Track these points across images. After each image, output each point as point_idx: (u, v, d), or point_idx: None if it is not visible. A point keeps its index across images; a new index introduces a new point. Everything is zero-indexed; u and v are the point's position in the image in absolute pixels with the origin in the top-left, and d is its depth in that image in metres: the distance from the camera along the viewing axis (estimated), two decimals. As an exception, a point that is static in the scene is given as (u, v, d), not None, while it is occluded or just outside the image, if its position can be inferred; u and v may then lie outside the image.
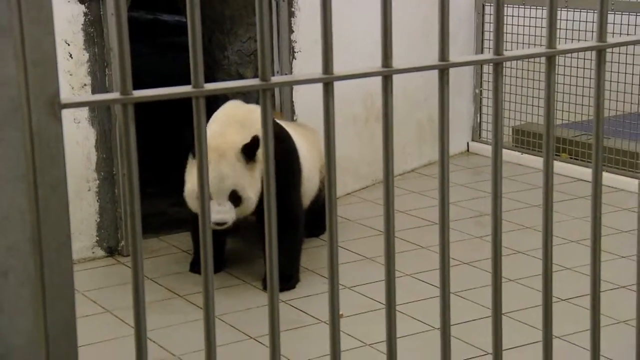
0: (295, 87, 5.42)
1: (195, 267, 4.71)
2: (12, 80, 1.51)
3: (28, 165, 1.55)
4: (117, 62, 1.67)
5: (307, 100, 5.48)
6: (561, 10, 6.13)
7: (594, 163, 2.15)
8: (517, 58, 2.09)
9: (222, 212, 4.35)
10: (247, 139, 4.36)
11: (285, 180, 4.48)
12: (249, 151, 4.36)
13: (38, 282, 1.58)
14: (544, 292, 2.19)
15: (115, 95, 1.68)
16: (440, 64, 1.97)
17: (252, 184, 4.39)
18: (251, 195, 4.40)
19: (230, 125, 4.45)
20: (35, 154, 1.56)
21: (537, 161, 6.31)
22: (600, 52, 2.10)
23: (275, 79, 1.80)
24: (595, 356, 2.22)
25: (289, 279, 4.52)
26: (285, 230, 4.51)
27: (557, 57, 2.09)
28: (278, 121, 4.74)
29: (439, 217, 2.09)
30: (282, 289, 4.37)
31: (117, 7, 1.65)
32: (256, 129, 4.38)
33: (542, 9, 6.37)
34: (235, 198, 4.38)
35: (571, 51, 2.22)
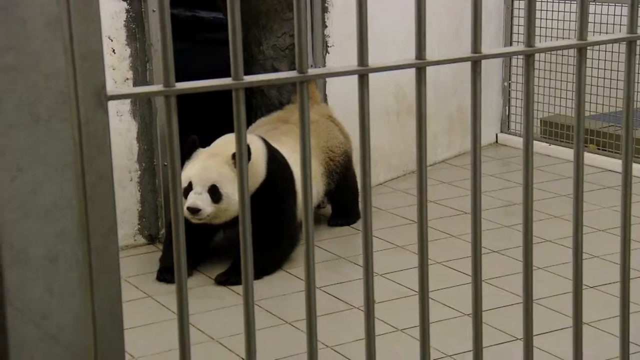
0: (329, 80, 5.49)
1: (162, 274, 4.67)
2: (61, 73, 1.57)
3: (76, 155, 1.61)
4: (160, 55, 1.73)
5: (340, 93, 5.53)
6: (589, 3, 6.15)
7: (624, 153, 2.19)
8: (548, 50, 2.13)
9: (197, 199, 4.45)
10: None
11: (278, 200, 4.68)
12: None
13: (86, 267, 1.64)
14: (574, 279, 2.23)
15: (158, 87, 1.74)
16: (473, 56, 2.01)
17: (235, 186, 4.46)
18: (232, 195, 4.50)
19: (231, 146, 4.56)
20: (83, 144, 1.62)
21: (565, 152, 6.34)
22: (631, 44, 2.13)
23: (312, 71, 1.85)
24: (625, 342, 2.26)
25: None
26: (268, 236, 4.62)
27: (587, 49, 2.13)
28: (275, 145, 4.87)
29: (471, 205, 2.14)
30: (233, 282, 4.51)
31: (161, 1, 1.70)
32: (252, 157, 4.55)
33: (568, 3, 6.39)
34: (214, 193, 4.49)
35: (602, 43, 2.26)
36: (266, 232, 4.58)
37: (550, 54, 6.39)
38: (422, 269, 2.04)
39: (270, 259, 4.67)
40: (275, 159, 4.75)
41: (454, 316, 4.09)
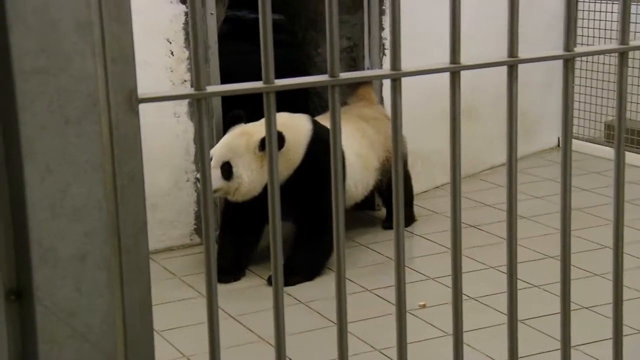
0: (385, 82, 5.50)
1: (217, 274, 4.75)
2: (90, 76, 1.60)
3: (107, 157, 1.63)
4: (192, 59, 1.76)
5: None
6: (631, 5, 6.07)
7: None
8: (587, 54, 2.11)
9: None
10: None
11: (317, 187, 4.59)
12: (264, 145, 4.45)
13: (116, 267, 1.67)
14: (614, 285, 2.22)
15: (189, 90, 1.76)
16: (509, 60, 2.01)
17: (252, 169, 4.52)
18: (244, 176, 4.52)
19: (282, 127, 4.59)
20: (114, 146, 1.65)
21: (629, 156, 6.26)
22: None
23: (344, 75, 1.86)
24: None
25: (295, 274, 4.58)
26: (313, 230, 4.61)
27: (628, 53, 2.11)
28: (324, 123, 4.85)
29: (506, 210, 2.13)
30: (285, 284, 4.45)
31: (192, 7, 1.72)
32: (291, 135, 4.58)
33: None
34: (226, 170, 4.53)
35: (642, 47, 2.23)
36: (308, 223, 4.60)
37: (611, 56, 6.31)
38: (455, 276, 2.03)
39: (316, 257, 4.64)
40: (320, 141, 4.66)
41: (504, 322, 4.05)
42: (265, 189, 4.45)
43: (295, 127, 4.62)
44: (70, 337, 1.65)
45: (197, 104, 1.76)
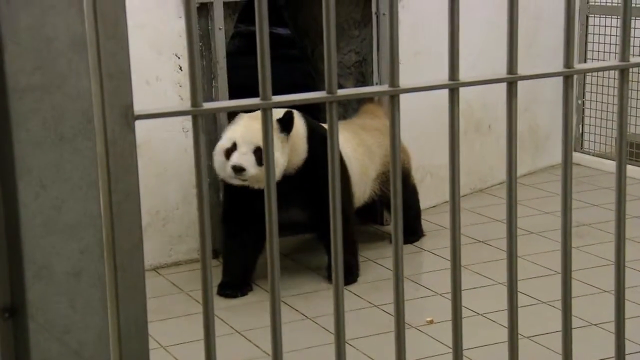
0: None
1: (223, 289, 4.72)
2: (85, 94, 1.61)
3: (103, 173, 1.64)
4: (189, 75, 1.76)
5: (407, 108, 5.53)
6: (631, 20, 6.05)
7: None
8: (587, 71, 2.11)
9: (242, 158, 4.41)
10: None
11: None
12: (284, 123, 4.45)
13: (112, 284, 1.66)
14: (615, 304, 2.20)
15: (186, 107, 1.77)
16: (508, 77, 2.00)
17: (280, 149, 4.43)
18: (277, 160, 4.40)
19: (276, 113, 4.57)
20: (110, 162, 1.65)
21: (636, 171, 6.25)
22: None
23: (341, 91, 1.86)
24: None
25: (350, 273, 4.67)
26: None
27: (629, 70, 2.10)
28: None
29: (506, 228, 2.12)
30: (346, 283, 4.46)
31: (189, 23, 1.73)
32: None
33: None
34: (260, 156, 4.40)
35: (642, 64, 2.22)
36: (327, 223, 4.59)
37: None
38: (455, 294, 2.02)
39: (349, 257, 4.65)
40: (317, 134, 4.64)
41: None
42: (282, 175, 4.43)
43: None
44: (63, 355, 1.65)
45: (194, 120, 1.77)
